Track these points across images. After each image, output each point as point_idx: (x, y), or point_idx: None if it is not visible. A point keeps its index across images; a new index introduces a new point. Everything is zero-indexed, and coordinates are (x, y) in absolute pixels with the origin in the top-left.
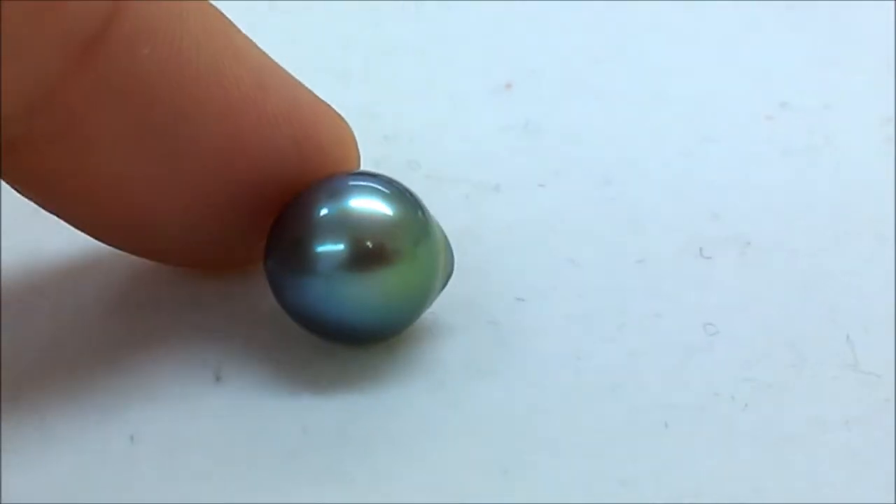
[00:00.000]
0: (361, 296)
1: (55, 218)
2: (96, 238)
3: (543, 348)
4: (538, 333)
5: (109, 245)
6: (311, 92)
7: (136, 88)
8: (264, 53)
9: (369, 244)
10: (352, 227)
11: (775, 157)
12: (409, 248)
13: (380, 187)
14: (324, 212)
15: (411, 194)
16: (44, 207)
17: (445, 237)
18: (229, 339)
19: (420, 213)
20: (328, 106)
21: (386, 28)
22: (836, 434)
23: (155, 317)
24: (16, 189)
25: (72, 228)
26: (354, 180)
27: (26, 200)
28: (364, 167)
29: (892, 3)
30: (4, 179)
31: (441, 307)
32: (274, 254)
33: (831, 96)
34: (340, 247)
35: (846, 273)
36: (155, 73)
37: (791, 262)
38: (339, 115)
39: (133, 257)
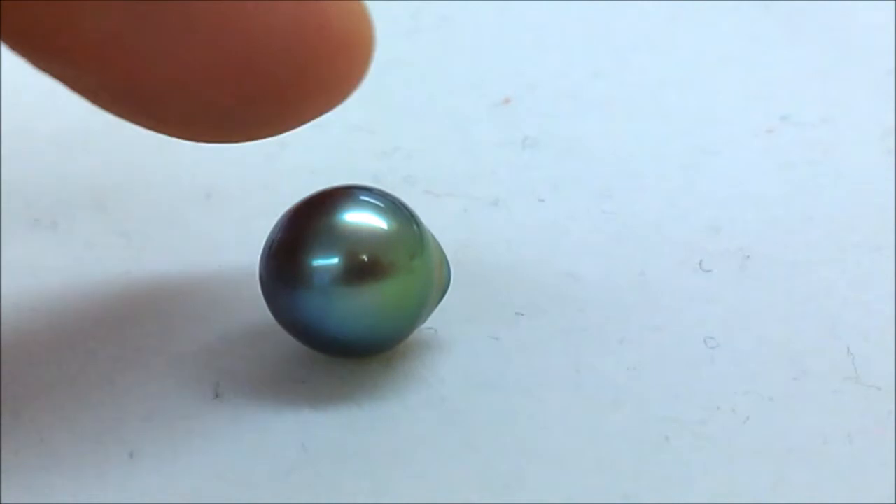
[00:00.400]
0: (357, 309)
1: (52, 233)
2: (91, 101)
3: (543, 363)
4: (538, 348)
5: (104, 109)
6: None
7: None
8: None
9: (364, 258)
10: (347, 241)
11: (775, 170)
12: (404, 261)
13: (375, 201)
14: (319, 224)
15: (406, 208)
16: (37, 67)
17: (442, 251)
18: (228, 356)
19: (415, 226)
20: None
21: (383, 43)
22: (838, 447)
23: (152, 333)
24: (8, 46)
25: (69, 245)
26: (349, 193)
27: (24, 216)
28: (363, 181)
29: (892, 15)
30: None
31: (440, 322)
32: (268, 267)
33: (831, 109)
34: (335, 260)
35: (846, 286)
36: None
37: (791, 275)
38: None
39: (128, 276)
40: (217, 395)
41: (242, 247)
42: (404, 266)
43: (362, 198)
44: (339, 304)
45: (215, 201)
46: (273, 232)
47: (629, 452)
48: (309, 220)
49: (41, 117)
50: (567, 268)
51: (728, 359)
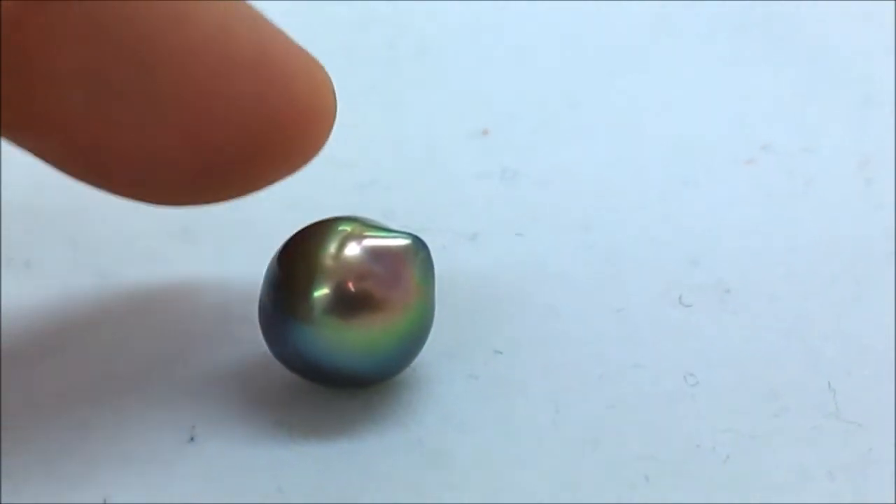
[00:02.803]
0: (355, 341)
1: (25, 273)
2: (65, 172)
3: (522, 401)
4: (516, 386)
5: (76, 179)
6: (284, 35)
7: (93, 27)
8: None
9: (354, 290)
10: (344, 273)
11: (756, 201)
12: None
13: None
14: (317, 256)
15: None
16: (13, 141)
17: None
18: (202, 397)
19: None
20: (300, 49)
21: (360, 74)
22: (820, 485)
23: (126, 374)
24: None
25: (42, 284)
26: (344, 224)
27: None
28: (341, 214)
29: (869, 42)
30: None
31: (418, 359)
32: (267, 296)
33: (811, 138)
34: (330, 291)
35: (826, 319)
36: (112, 11)
37: (771, 309)
38: (314, 61)
39: (99, 321)
40: (192, 439)
41: (219, 283)
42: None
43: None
44: (336, 335)
45: (191, 236)
46: (272, 264)
47: (608, 492)
48: (307, 250)
49: (10, 152)
50: (546, 303)
51: (708, 395)
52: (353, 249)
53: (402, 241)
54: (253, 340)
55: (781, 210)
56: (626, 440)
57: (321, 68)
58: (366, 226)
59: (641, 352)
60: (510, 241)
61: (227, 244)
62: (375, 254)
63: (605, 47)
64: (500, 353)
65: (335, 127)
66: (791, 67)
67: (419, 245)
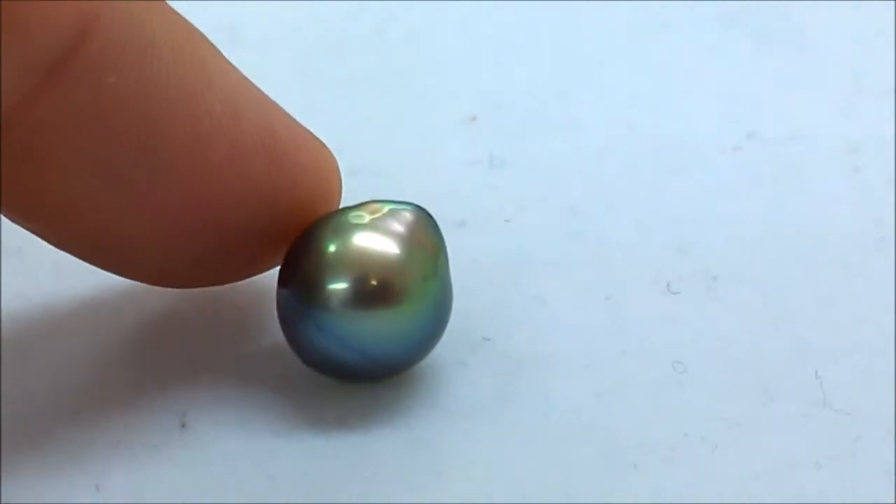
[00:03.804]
0: (373, 333)
1: (17, 259)
2: (73, 254)
3: (511, 389)
4: (505, 374)
5: (84, 261)
6: (288, 117)
7: (101, 115)
8: (240, 76)
9: (374, 282)
10: (359, 265)
11: (742, 189)
12: (418, 284)
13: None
14: (332, 249)
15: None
16: (17, 223)
17: None
18: (194, 384)
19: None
20: (307, 132)
21: (349, 62)
22: (808, 474)
23: (118, 361)
24: None
25: (35, 271)
26: (363, 215)
27: None
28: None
29: (857, 31)
30: None
31: None
32: (285, 288)
33: (798, 125)
34: (348, 284)
35: (814, 306)
36: (121, 101)
37: (759, 296)
38: (318, 142)
39: (91, 307)
40: (183, 425)
41: None
42: (419, 289)
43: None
44: (353, 328)
45: None
46: (288, 254)
47: (597, 480)
48: (322, 242)
49: None
50: (534, 291)
51: (696, 383)
52: (367, 240)
53: (415, 220)
54: (244, 327)
55: (768, 197)
56: (615, 429)
57: (327, 149)
58: (380, 212)
59: (630, 340)
60: (499, 228)
61: None
62: (391, 243)
63: (592, 36)
64: (489, 340)
65: (323, 113)
66: (779, 55)
67: (430, 221)
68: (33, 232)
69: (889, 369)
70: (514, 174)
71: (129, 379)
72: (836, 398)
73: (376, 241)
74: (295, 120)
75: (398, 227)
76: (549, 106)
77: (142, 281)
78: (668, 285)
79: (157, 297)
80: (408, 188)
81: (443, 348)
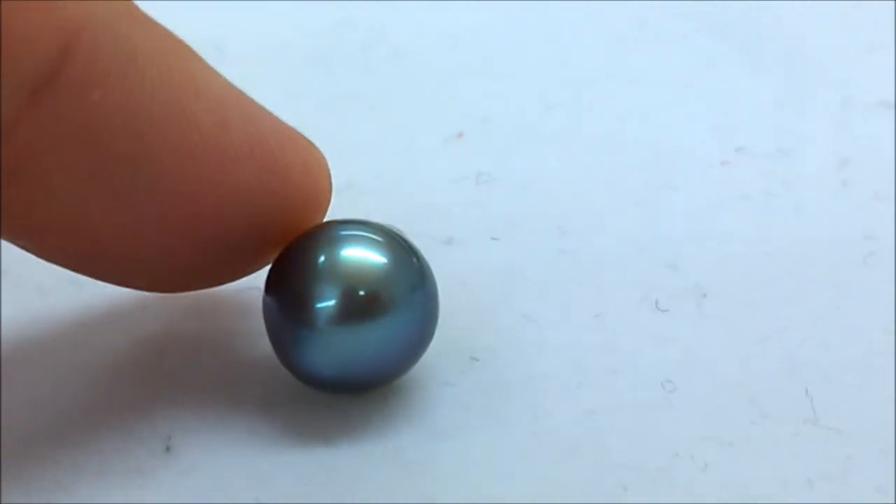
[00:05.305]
0: (360, 346)
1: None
2: (63, 266)
3: (500, 409)
4: (494, 394)
5: (77, 272)
6: (277, 120)
7: (88, 132)
8: (226, 83)
9: (363, 293)
10: (346, 277)
11: (732, 204)
12: (404, 295)
13: (373, 235)
14: (319, 262)
15: (405, 240)
16: (9, 240)
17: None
18: (179, 407)
19: (415, 259)
20: (297, 134)
21: (335, 79)
22: (799, 494)
23: (102, 384)
24: None
25: (19, 292)
26: (347, 229)
27: None
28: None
29: (846, 45)
30: None
31: None
32: (270, 303)
33: (787, 139)
34: (335, 300)
35: (804, 323)
36: (107, 117)
37: (748, 313)
38: (308, 143)
39: (74, 330)
40: (168, 449)
41: (197, 292)
42: (405, 300)
43: (359, 232)
44: (341, 341)
45: None
46: (272, 269)
47: (587, 501)
48: (308, 256)
49: None
50: (523, 309)
51: (686, 402)
52: (355, 254)
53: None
54: (229, 348)
55: (758, 212)
56: (604, 449)
57: (316, 150)
58: (363, 228)
59: (619, 358)
60: (486, 245)
61: None
62: (376, 256)
63: (580, 50)
64: (477, 360)
65: (309, 130)
66: (768, 69)
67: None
68: (22, 247)
69: (880, 386)
70: (501, 191)
71: (114, 401)
72: (828, 416)
73: (363, 253)
74: (281, 121)
75: (383, 239)
76: (536, 122)
77: (133, 287)
78: (657, 302)
79: (141, 317)
80: (395, 206)
81: (431, 368)
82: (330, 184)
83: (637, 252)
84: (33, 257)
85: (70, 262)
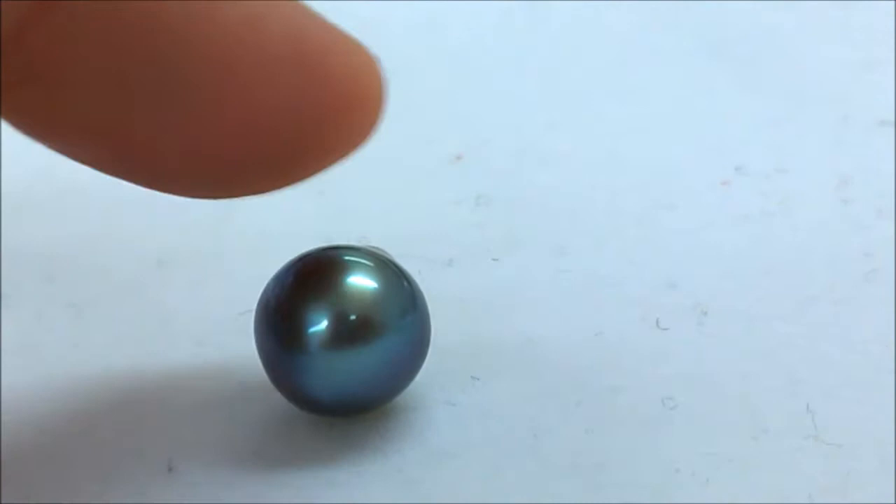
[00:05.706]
0: (352, 369)
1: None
2: (103, 172)
3: (500, 428)
4: (495, 413)
5: (111, 176)
6: (320, 19)
7: (109, 28)
8: None
9: (354, 318)
10: (337, 302)
11: (731, 223)
12: (395, 320)
13: (364, 260)
14: (309, 287)
15: (396, 265)
16: (41, 142)
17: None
18: (181, 427)
19: (406, 283)
20: (343, 36)
21: None
22: None
23: (103, 405)
24: (9, 124)
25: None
26: (337, 254)
27: None
28: (315, 244)
29: (844, 63)
30: None
31: None
32: (261, 329)
33: (786, 159)
34: (325, 323)
35: (804, 339)
36: (126, 17)
37: (749, 331)
38: (355, 44)
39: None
40: (170, 469)
41: (195, 314)
42: (395, 325)
43: (351, 258)
44: (333, 365)
45: (167, 268)
46: (264, 294)
47: None
48: (299, 282)
49: None
50: (523, 329)
51: (687, 419)
52: (346, 279)
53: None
54: (229, 370)
55: (757, 231)
56: (605, 466)
57: (364, 51)
58: (354, 253)
59: (619, 376)
60: (486, 266)
61: (202, 275)
62: (367, 281)
63: (579, 71)
64: (478, 379)
65: None
66: (767, 88)
67: (401, 274)
68: (63, 154)
69: (881, 402)
70: (500, 211)
71: (116, 421)
72: (828, 432)
73: (354, 278)
74: (324, 20)
75: (374, 263)
76: (534, 143)
77: (171, 193)
78: (657, 321)
79: (141, 339)
80: (394, 228)
81: (431, 387)
82: (381, 84)
83: (637, 271)
84: (33, 281)
85: (109, 168)
